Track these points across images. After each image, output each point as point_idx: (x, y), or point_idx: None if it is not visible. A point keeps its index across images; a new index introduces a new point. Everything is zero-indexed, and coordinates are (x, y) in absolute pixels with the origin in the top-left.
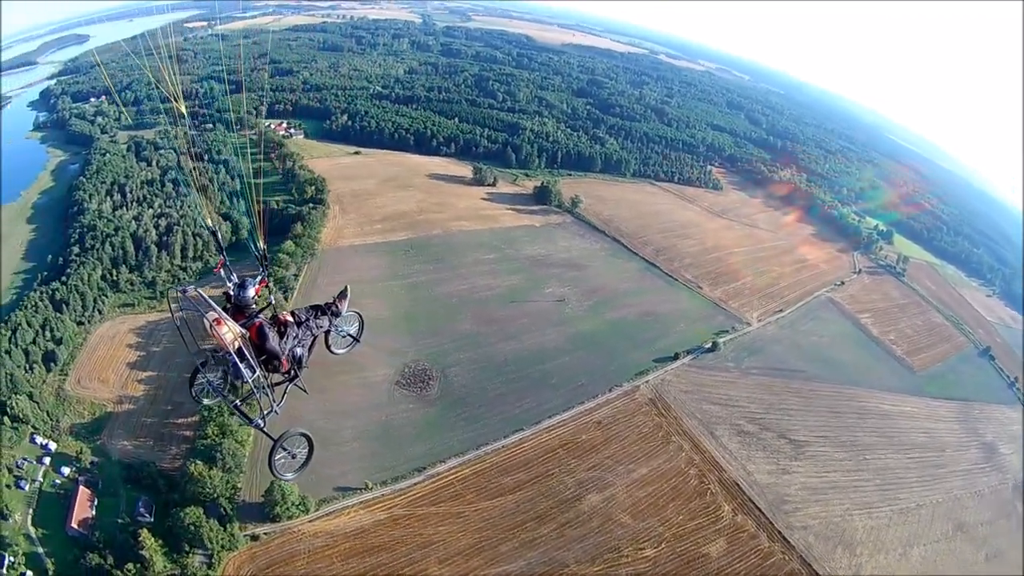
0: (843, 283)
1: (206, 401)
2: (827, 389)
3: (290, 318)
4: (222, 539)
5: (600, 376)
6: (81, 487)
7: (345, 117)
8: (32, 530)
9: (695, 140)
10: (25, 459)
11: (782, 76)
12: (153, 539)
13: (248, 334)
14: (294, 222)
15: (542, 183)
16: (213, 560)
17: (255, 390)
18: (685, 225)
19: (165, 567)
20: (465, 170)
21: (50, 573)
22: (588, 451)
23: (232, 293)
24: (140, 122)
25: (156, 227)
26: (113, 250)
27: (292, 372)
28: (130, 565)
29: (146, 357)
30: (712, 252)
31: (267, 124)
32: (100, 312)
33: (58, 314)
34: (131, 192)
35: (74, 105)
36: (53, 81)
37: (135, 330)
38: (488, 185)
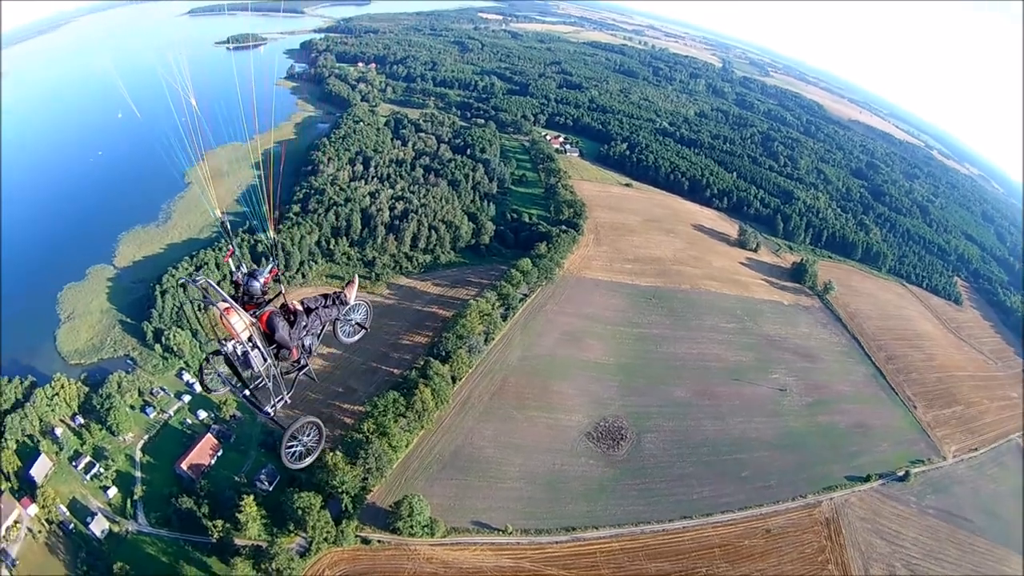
0: None
1: (217, 390)
2: (983, 545)
3: (300, 307)
4: (327, 531)
5: (790, 481)
6: (209, 435)
7: (625, 146)
8: (139, 454)
9: (948, 247)
10: (163, 389)
11: None
12: (256, 508)
13: (258, 323)
14: (540, 240)
15: (802, 260)
16: (311, 548)
17: (266, 379)
18: (921, 336)
19: (258, 535)
20: (731, 228)
21: (135, 495)
22: (744, 558)
23: (242, 283)
24: (407, 99)
25: (391, 208)
26: (337, 220)
27: (302, 361)
28: (219, 521)
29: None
30: (937, 371)
31: (543, 134)
32: (304, 276)
33: (254, 265)
34: (375, 167)
35: (337, 65)
36: (319, 36)
37: None
38: (750, 249)
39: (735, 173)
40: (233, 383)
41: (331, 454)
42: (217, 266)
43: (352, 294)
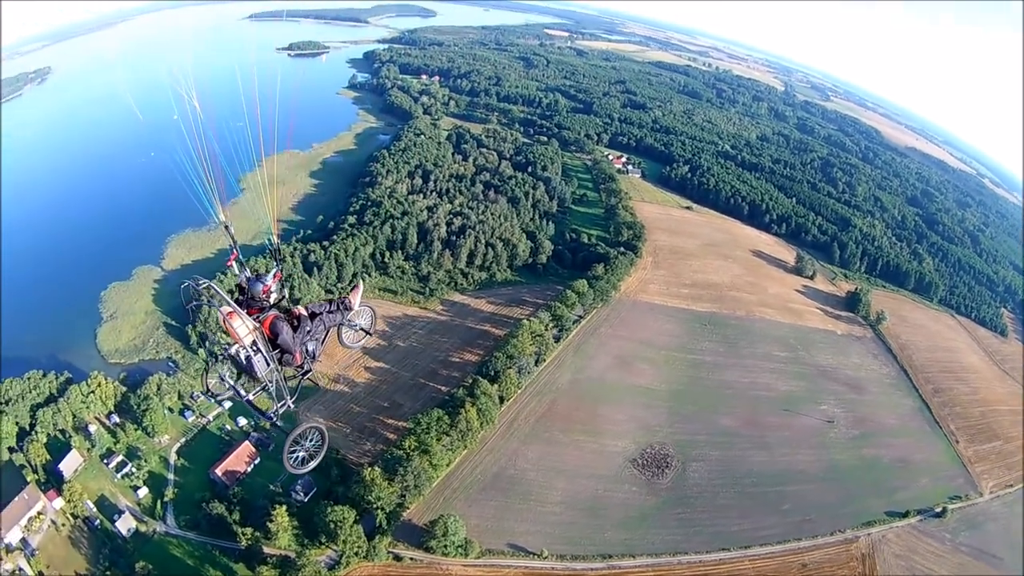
0: None
1: (220, 395)
2: None
3: (303, 312)
4: (358, 546)
5: (830, 515)
6: (247, 442)
7: (686, 168)
8: (173, 457)
9: (996, 277)
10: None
11: None
12: (288, 518)
13: (262, 328)
14: (598, 262)
15: (856, 289)
16: (341, 562)
17: (268, 384)
18: (967, 369)
19: (288, 546)
20: (788, 254)
21: (166, 497)
22: None
23: (246, 286)
24: (469, 114)
25: (448, 224)
26: (393, 233)
27: (305, 366)
28: (249, 529)
29: (386, 348)
30: (980, 405)
31: (605, 154)
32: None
33: (306, 275)
34: (434, 181)
35: (400, 76)
36: (383, 46)
37: (388, 318)
38: (806, 277)
39: (794, 198)
40: (236, 387)
41: (369, 469)
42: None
43: (356, 299)
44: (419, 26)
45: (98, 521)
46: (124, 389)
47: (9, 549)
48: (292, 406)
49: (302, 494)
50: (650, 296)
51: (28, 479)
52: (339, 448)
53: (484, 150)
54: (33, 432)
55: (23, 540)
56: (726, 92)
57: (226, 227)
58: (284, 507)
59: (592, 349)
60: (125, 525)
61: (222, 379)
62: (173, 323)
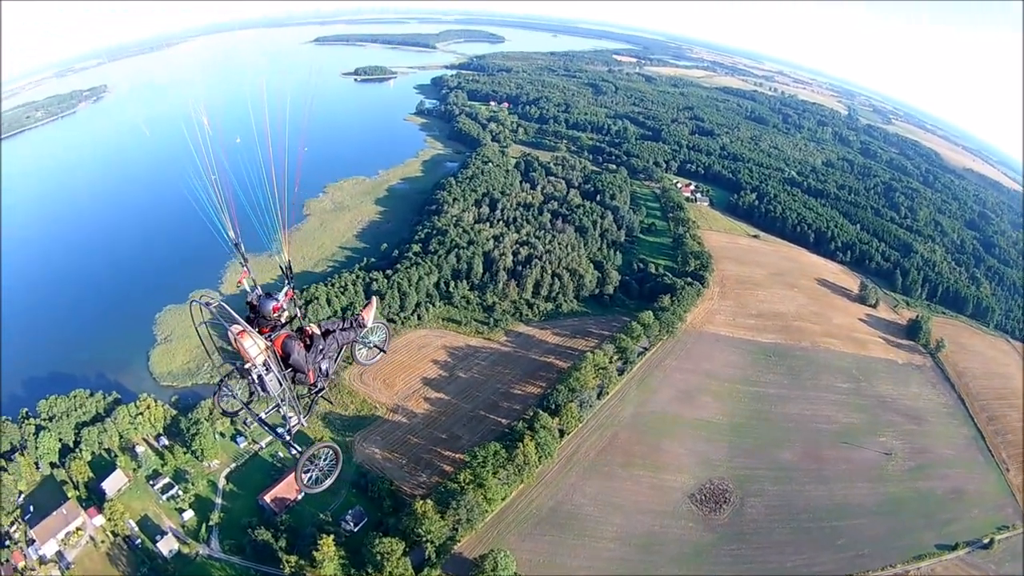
0: None
1: (233, 412)
2: None
3: (316, 330)
4: None
5: (882, 550)
6: None
7: (754, 195)
8: (222, 482)
9: None
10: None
11: None
12: (335, 548)
13: (273, 347)
14: (664, 292)
15: (917, 317)
16: None
17: (281, 403)
18: (1019, 395)
19: (333, 575)
20: (852, 282)
21: (211, 520)
22: None
23: (257, 304)
24: (538, 141)
25: (515, 253)
26: (458, 262)
27: (318, 384)
28: (294, 557)
29: (447, 379)
30: None
31: (674, 181)
32: (419, 318)
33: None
34: (502, 210)
35: (469, 103)
36: (451, 72)
37: (450, 348)
38: (869, 305)
39: (858, 225)
40: (248, 406)
41: (421, 502)
42: (328, 302)
43: (370, 316)
44: (487, 52)
45: (139, 540)
46: (175, 412)
47: (43, 561)
48: (305, 424)
49: (352, 524)
50: (716, 327)
51: (69, 495)
52: (393, 479)
53: (552, 178)
54: (77, 449)
55: (59, 553)
56: (792, 117)
57: (236, 246)
58: (331, 536)
59: (656, 382)
60: (167, 546)
61: (234, 397)
62: (228, 347)
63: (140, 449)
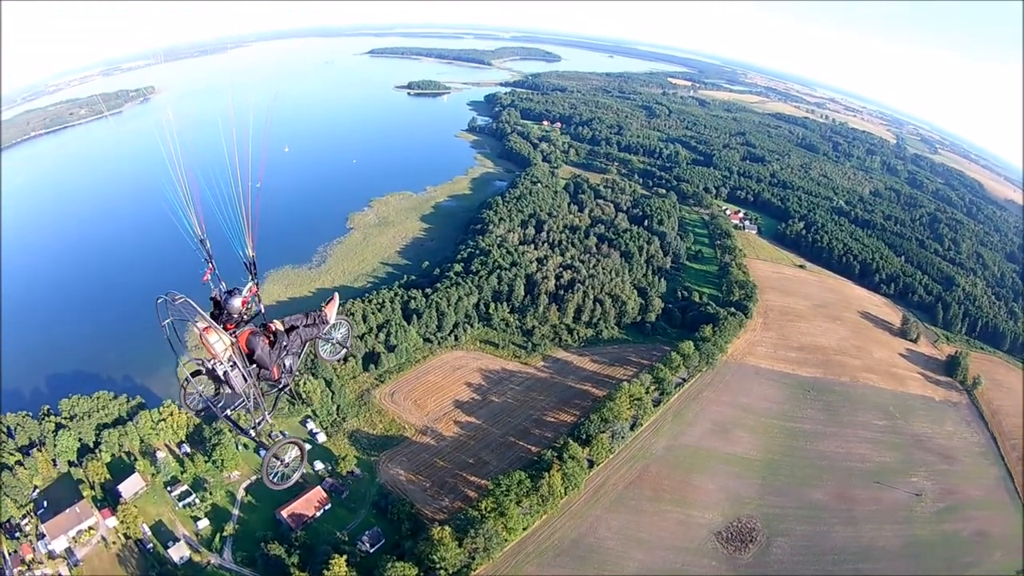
0: None
1: (198, 410)
2: None
3: (280, 326)
4: None
5: None
6: (319, 487)
7: (801, 225)
8: (241, 493)
9: None
10: (283, 434)
11: None
12: (347, 569)
13: (238, 343)
14: (707, 322)
15: (956, 352)
16: None
17: (246, 399)
18: None
19: None
20: (895, 316)
21: (226, 531)
22: None
23: (221, 300)
24: (589, 163)
25: (557, 277)
26: (499, 284)
27: (283, 381)
28: (304, 574)
29: (480, 403)
30: None
31: (723, 208)
32: (456, 339)
33: (404, 322)
34: (547, 232)
35: (521, 121)
36: (505, 89)
37: (486, 371)
38: (910, 340)
39: (903, 257)
40: (213, 403)
41: (439, 528)
42: (364, 319)
43: (332, 312)
44: (542, 70)
45: (151, 545)
46: (198, 420)
47: (52, 556)
48: (270, 420)
49: (368, 545)
50: (757, 359)
51: (84, 494)
52: (415, 502)
53: (601, 201)
54: (96, 450)
55: (68, 550)
56: (842, 145)
57: (202, 241)
58: (345, 557)
59: (692, 414)
60: (178, 552)
61: (200, 395)
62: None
63: (160, 455)
